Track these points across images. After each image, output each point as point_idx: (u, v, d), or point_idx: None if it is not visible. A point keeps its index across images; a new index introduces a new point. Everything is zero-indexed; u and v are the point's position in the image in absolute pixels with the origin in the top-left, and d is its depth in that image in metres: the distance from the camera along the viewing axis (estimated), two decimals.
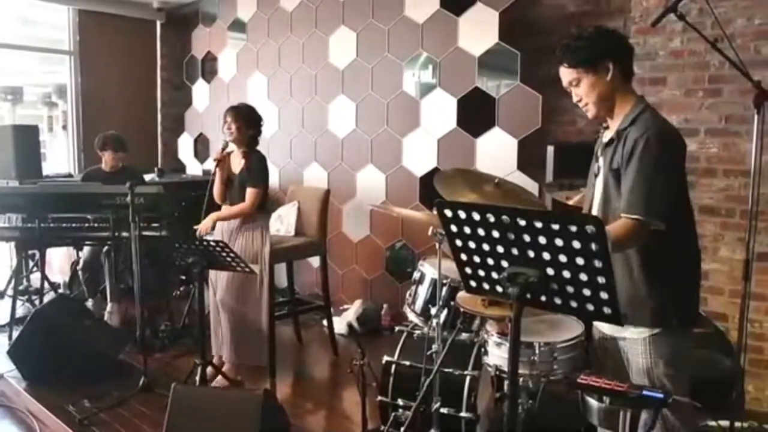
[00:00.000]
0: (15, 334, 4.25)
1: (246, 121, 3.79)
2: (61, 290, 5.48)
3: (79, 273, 5.05)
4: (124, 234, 4.22)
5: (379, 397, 2.99)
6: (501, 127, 4.34)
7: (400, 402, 2.93)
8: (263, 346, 3.89)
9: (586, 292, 1.61)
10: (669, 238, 1.95)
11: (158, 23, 6.94)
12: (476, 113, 4.46)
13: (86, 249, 5.01)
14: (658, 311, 2.01)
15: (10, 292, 5.00)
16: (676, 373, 2.04)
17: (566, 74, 2.08)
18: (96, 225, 4.63)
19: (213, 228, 3.85)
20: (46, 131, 6.98)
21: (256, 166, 3.78)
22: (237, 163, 3.84)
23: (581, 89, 2.06)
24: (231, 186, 3.83)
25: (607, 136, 2.13)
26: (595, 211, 2.14)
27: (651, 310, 2.01)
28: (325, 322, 4.58)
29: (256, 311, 3.84)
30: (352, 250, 5.37)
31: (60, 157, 6.86)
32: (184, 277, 5.54)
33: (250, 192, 3.74)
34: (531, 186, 4.00)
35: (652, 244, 1.96)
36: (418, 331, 3.08)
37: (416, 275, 3.15)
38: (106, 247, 4.75)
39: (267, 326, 3.88)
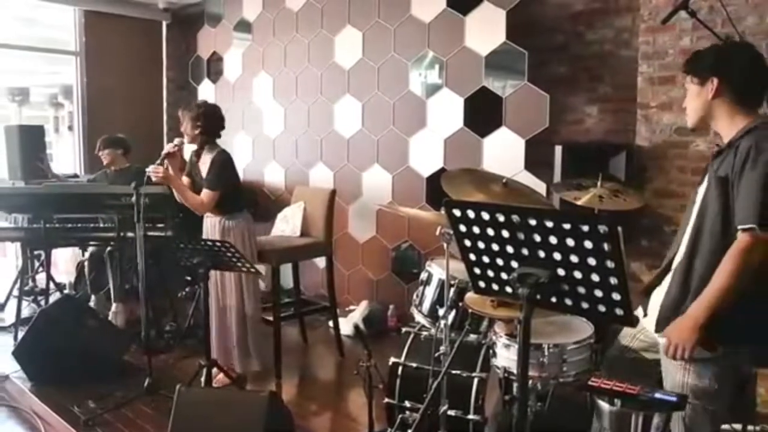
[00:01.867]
0: (20, 334, 4.25)
1: (190, 121, 3.72)
2: (66, 291, 5.48)
3: (86, 266, 5.05)
4: (130, 234, 4.21)
5: (386, 399, 2.96)
6: (508, 127, 4.31)
7: (407, 404, 2.90)
8: (244, 351, 3.85)
9: (598, 293, 1.59)
10: None
11: (164, 24, 6.94)
12: (483, 113, 4.42)
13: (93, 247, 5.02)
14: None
15: (15, 292, 5.00)
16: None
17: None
18: (101, 225, 4.63)
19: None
20: (52, 132, 6.98)
21: (214, 168, 3.71)
22: (204, 163, 3.80)
23: (687, 95, 2.11)
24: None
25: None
26: (690, 225, 2.05)
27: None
28: (331, 323, 4.56)
29: (241, 314, 3.80)
30: (358, 250, 5.34)
31: (66, 157, 6.86)
32: (189, 278, 5.53)
33: (203, 193, 3.69)
34: (538, 186, 3.96)
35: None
36: (425, 333, 3.05)
37: (423, 276, 3.12)
38: (109, 248, 4.75)
39: (253, 329, 3.84)
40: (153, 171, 3.64)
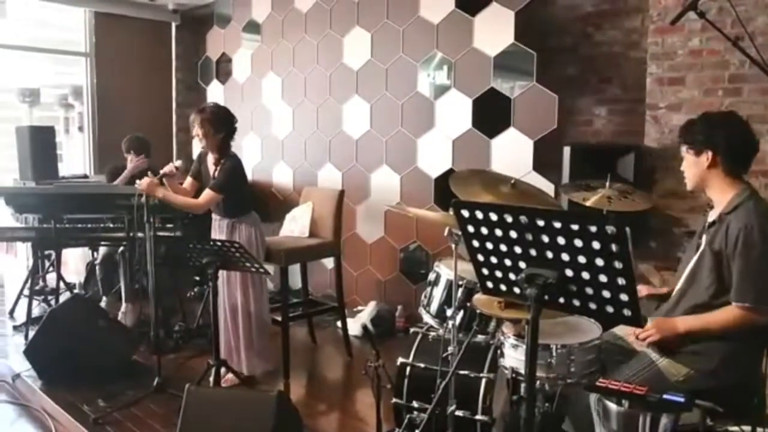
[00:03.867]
0: (31, 333, 4.28)
1: (213, 124, 3.67)
2: (76, 290, 5.51)
3: (97, 268, 5.08)
4: (140, 234, 4.23)
5: (394, 399, 2.97)
6: (516, 128, 4.31)
7: (415, 404, 2.91)
8: (250, 352, 3.86)
9: (606, 293, 1.59)
10: None
11: (173, 25, 6.96)
12: (491, 114, 4.42)
13: (104, 247, 5.05)
14: None
15: (26, 292, 5.04)
16: None
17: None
18: (111, 225, 4.66)
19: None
20: (62, 132, 7.03)
21: (223, 172, 3.70)
22: (213, 169, 3.80)
23: (684, 162, 2.35)
24: None
25: (711, 216, 2.32)
26: (680, 281, 2.37)
27: None
28: (339, 324, 4.57)
29: (246, 313, 3.82)
30: (367, 251, 5.35)
31: (76, 158, 6.91)
32: (198, 278, 5.55)
33: (205, 192, 3.68)
34: (547, 187, 3.97)
35: None
36: (433, 333, 3.05)
37: (431, 276, 3.12)
38: (121, 248, 4.78)
39: (258, 328, 3.86)
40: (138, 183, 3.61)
